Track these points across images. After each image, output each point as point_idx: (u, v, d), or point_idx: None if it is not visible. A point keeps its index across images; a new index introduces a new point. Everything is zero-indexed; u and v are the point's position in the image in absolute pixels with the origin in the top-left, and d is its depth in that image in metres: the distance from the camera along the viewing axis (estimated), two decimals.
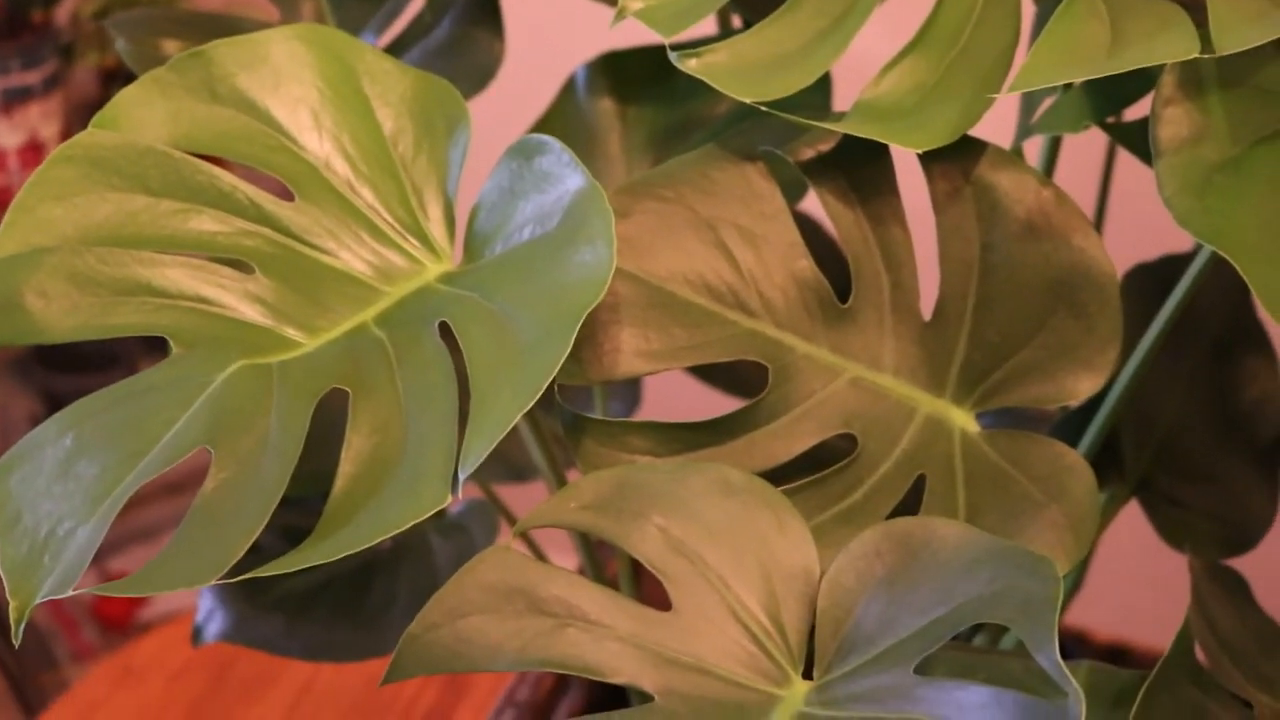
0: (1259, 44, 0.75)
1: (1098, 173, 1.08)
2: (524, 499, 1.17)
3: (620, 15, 0.80)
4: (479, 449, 0.66)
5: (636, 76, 1.06)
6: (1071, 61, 0.76)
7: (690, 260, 0.79)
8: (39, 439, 0.72)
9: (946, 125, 0.77)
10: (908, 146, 0.76)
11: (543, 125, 1.07)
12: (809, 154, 0.80)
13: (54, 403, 2.11)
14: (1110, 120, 0.90)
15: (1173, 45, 0.76)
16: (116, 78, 2.08)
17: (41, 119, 2.02)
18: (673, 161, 0.81)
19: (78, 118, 2.18)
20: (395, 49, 1.06)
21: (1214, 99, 0.79)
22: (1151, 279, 1.01)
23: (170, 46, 1.04)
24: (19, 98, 2.00)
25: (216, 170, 0.80)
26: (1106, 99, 0.86)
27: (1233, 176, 0.77)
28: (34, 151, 2.03)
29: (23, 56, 1.99)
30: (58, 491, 0.70)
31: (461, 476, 0.66)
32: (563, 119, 1.06)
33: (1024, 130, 0.91)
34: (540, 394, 0.67)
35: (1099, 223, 1.09)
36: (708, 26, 0.96)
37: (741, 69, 0.78)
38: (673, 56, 0.78)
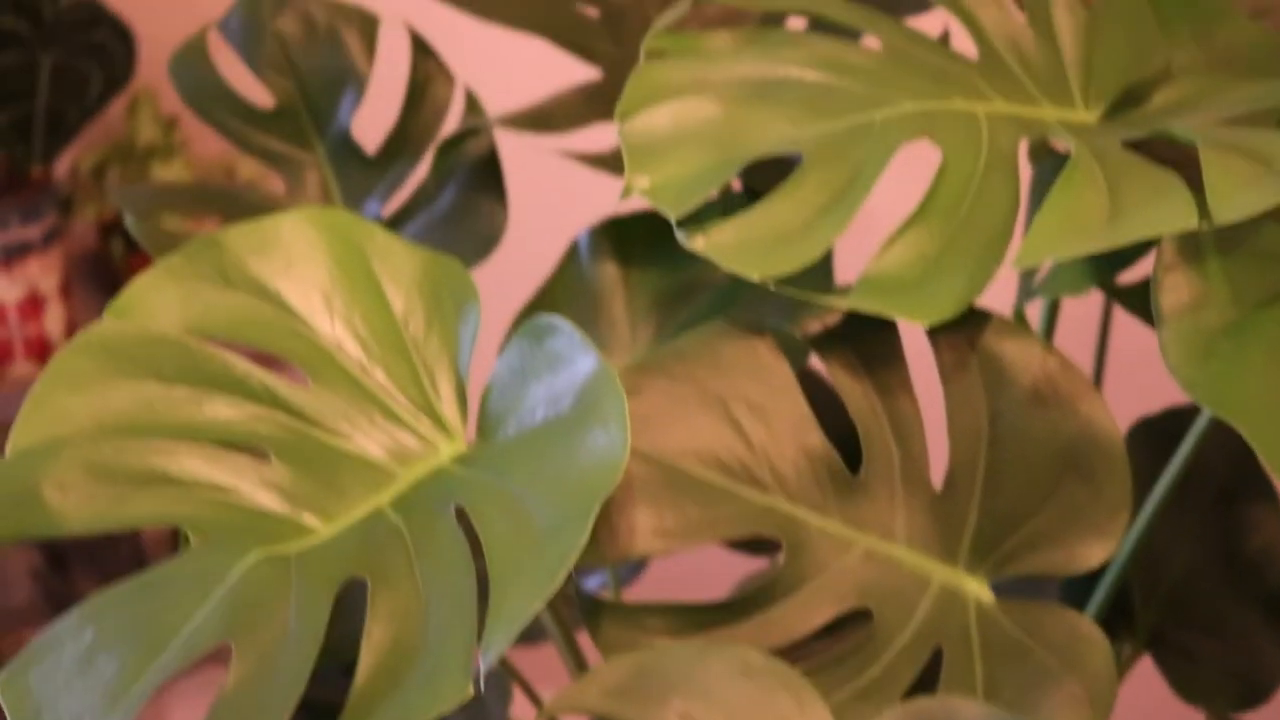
0: (1256, 213, 0.77)
1: (1096, 323, 1.09)
2: (534, 660, 1.17)
3: (627, 192, 0.82)
4: (499, 642, 0.67)
5: (639, 241, 1.07)
6: (1072, 234, 0.77)
7: (702, 437, 0.79)
8: (59, 633, 0.72)
9: (951, 298, 0.78)
10: (914, 321, 0.77)
11: (547, 290, 1.08)
12: (817, 328, 0.81)
13: (54, 556, 2.11)
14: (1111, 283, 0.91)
15: (1171, 216, 0.77)
16: (115, 230, 2.10)
17: (41, 273, 2.04)
18: (682, 338, 0.82)
19: (77, 270, 2.20)
20: (400, 217, 1.07)
21: (1214, 264, 0.80)
22: (1155, 433, 1.01)
23: (173, 221, 1.05)
24: (19, 252, 2.01)
25: (230, 356, 0.80)
26: (1107, 262, 0.88)
27: (1235, 342, 0.78)
28: (33, 305, 2.04)
29: (22, 211, 2.00)
30: (78, 687, 0.70)
31: (483, 670, 0.66)
32: (567, 283, 1.07)
33: (1026, 292, 0.92)
34: (559, 584, 0.67)
35: (1099, 375, 1.10)
36: None
37: (747, 246, 0.79)
38: (679, 234, 0.79)
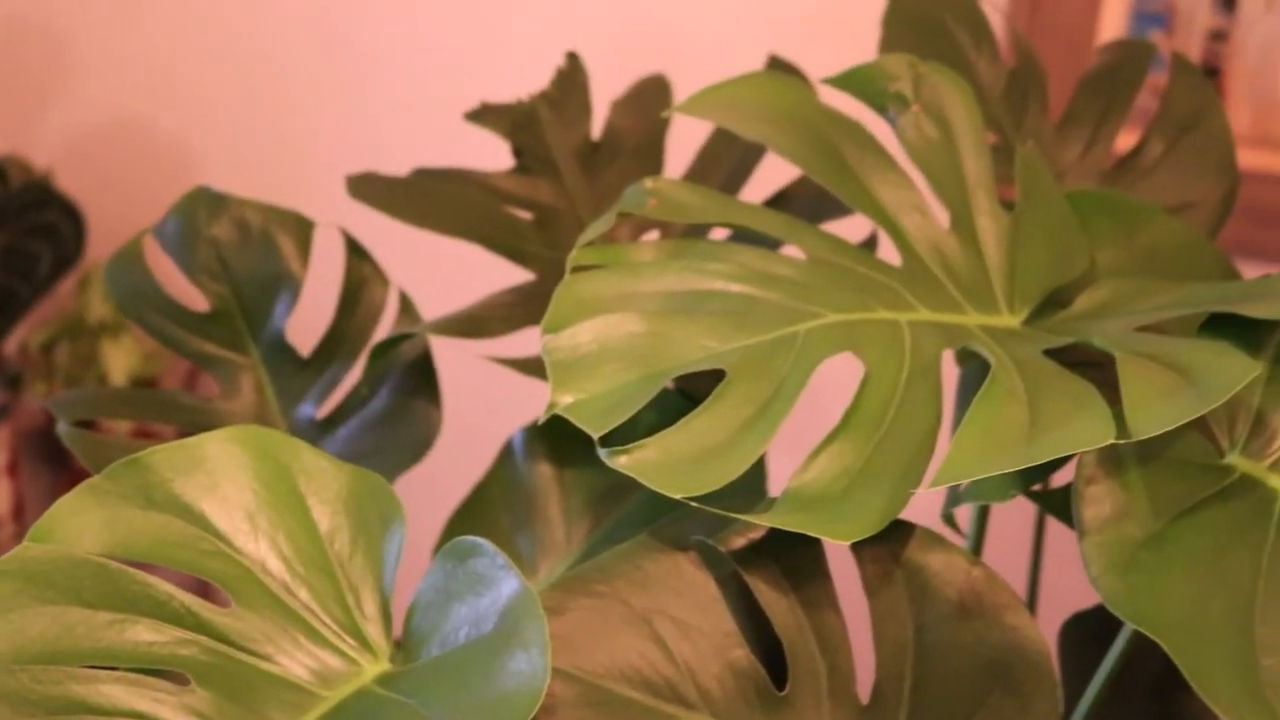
0: (1174, 426, 0.77)
1: (1033, 517, 1.09)
2: None
3: (551, 409, 0.82)
4: None
5: (573, 440, 1.07)
6: (991, 453, 0.77)
7: (626, 655, 0.79)
8: None
9: (872, 514, 0.78)
10: (835, 539, 0.77)
11: (482, 489, 1.08)
12: (740, 542, 0.81)
13: None
14: (1036, 488, 0.92)
15: (1089, 432, 0.78)
16: None
17: None
18: (607, 554, 0.82)
19: (25, 447, 2.19)
20: (334, 420, 1.07)
21: (1134, 474, 0.80)
22: (1090, 625, 1.01)
23: (105, 425, 1.05)
24: None
25: (151, 579, 0.80)
26: (1032, 468, 0.88)
27: (1156, 552, 0.78)
28: None
29: None
30: None
31: None
32: (502, 483, 1.07)
33: (953, 498, 0.92)
34: None
35: (1036, 566, 1.10)
36: None
37: (670, 464, 0.79)
38: (602, 453, 0.79)
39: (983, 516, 1.01)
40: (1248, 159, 1.72)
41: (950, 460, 0.76)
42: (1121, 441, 0.77)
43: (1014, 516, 1.10)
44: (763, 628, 0.81)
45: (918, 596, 0.81)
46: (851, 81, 0.97)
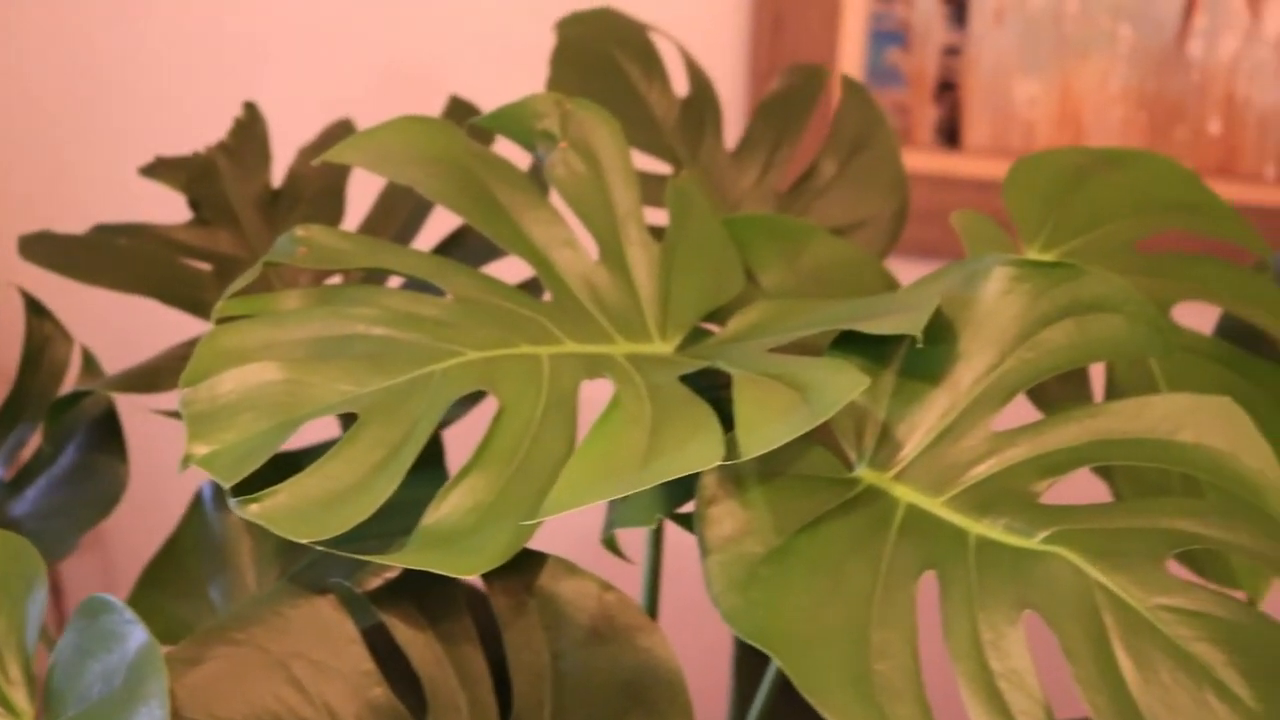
0: (783, 443, 0.80)
1: None
2: None
3: (186, 462, 0.83)
4: None
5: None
6: (604, 479, 0.79)
7: (263, 700, 0.80)
8: None
9: (498, 547, 0.80)
10: (460, 574, 0.79)
11: (175, 539, 1.09)
12: (376, 583, 0.83)
13: None
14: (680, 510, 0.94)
15: (700, 454, 0.80)
16: None
17: None
18: (246, 601, 0.83)
19: None
20: (21, 479, 1.08)
21: (756, 492, 0.83)
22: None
23: None
24: None
25: None
26: (676, 490, 0.90)
27: (777, 568, 0.80)
28: None
29: None
30: None
31: None
32: (193, 533, 1.08)
33: (609, 522, 0.94)
34: None
35: None
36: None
37: (298, 510, 0.81)
38: (232, 503, 0.81)
39: (657, 540, 1.03)
40: (990, 170, 1.78)
41: (560, 488, 0.79)
42: (738, 460, 0.80)
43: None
44: (404, 665, 0.83)
45: (552, 624, 0.83)
46: (500, 121, 0.99)
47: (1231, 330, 1.14)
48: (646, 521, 0.89)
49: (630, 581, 0.96)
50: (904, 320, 0.85)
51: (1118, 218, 1.06)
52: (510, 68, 1.72)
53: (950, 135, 1.80)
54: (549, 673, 0.83)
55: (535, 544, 0.82)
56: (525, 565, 0.83)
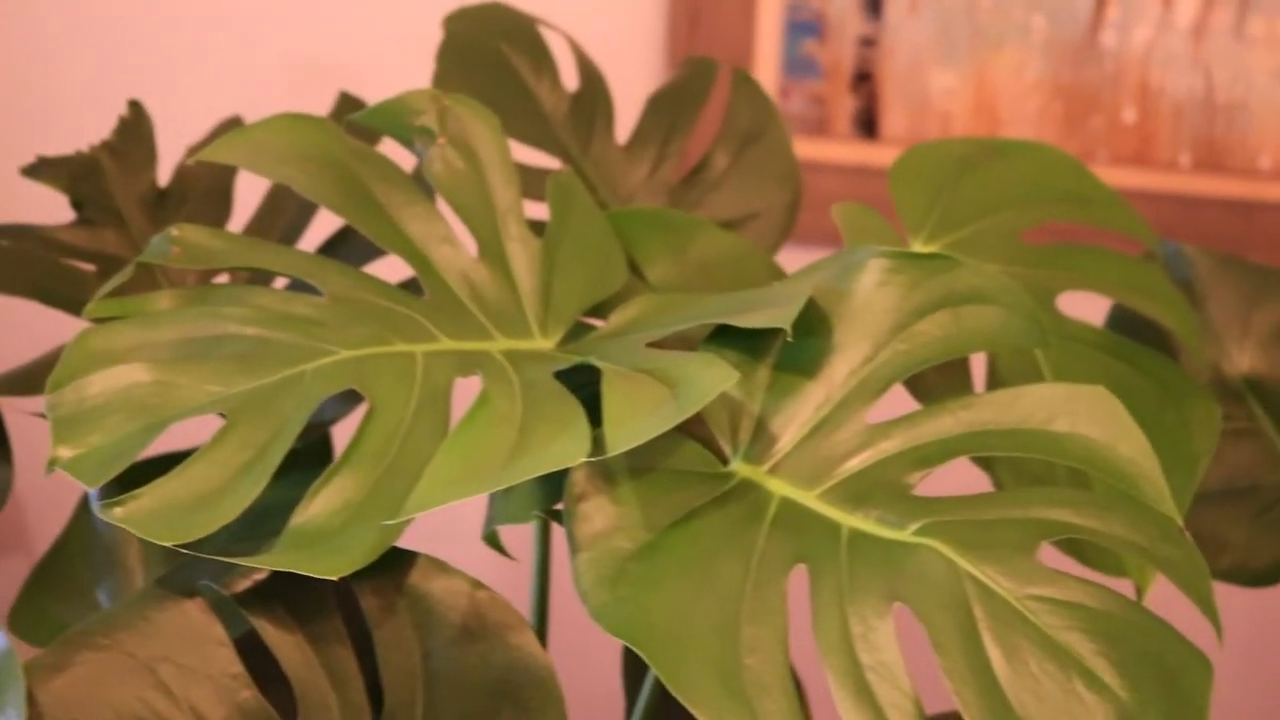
0: (649, 438, 0.80)
1: None
2: None
3: (51, 466, 0.82)
4: None
5: None
6: (468, 478, 0.79)
7: (129, 705, 0.79)
8: None
9: (364, 548, 0.79)
10: (323, 575, 0.78)
11: (61, 542, 1.08)
12: (245, 585, 0.82)
13: None
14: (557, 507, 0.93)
15: (566, 450, 0.80)
16: None
17: None
18: (115, 606, 0.82)
19: None
20: None
21: (627, 488, 0.83)
22: None
23: None
24: None
25: None
26: (554, 486, 0.90)
27: (646, 564, 0.80)
28: None
29: None
30: None
31: None
32: (80, 536, 1.07)
33: (489, 518, 0.94)
34: None
35: None
36: None
37: (163, 513, 0.80)
38: (96, 507, 0.80)
39: (544, 537, 1.02)
40: None
41: (422, 486, 0.78)
42: (607, 457, 0.79)
43: None
44: (274, 667, 0.82)
45: (422, 623, 0.82)
46: (378, 118, 0.98)
47: (1123, 320, 1.15)
48: (523, 518, 0.88)
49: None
50: (774, 314, 0.85)
51: (1003, 208, 1.06)
52: (418, 62, 1.70)
53: (867, 126, 1.80)
54: (420, 672, 0.82)
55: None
56: (395, 565, 0.82)
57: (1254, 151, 1.76)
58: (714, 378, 0.82)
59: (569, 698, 1.31)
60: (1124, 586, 0.98)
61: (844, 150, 1.79)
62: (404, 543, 0.82)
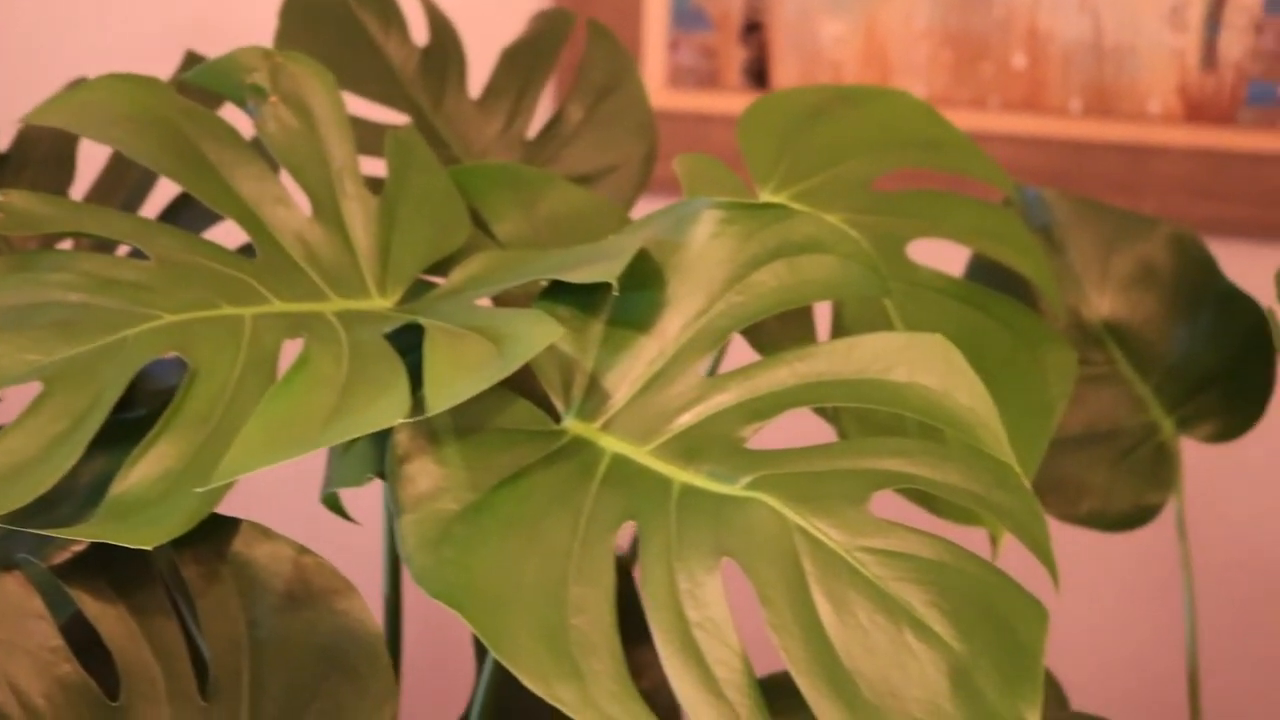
0: (470, 396, 0.78)
1: None
2: None
3: None
4: None
5: None
6: (282, 440, 0.78)
7: None
8: None
9: (181, 517, 0.78)
10: (139, 545, 0.77)
11: None
12: (64, 556, 0.81)
13: None
14: None
15: (384, 411, 0.78)
16: None
17: None
18: None
19: None
20: None
21: (452, 448, 0.81)
22: None
23: None
24: None
25: None
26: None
27: (471, 525, 0.79)
28: None
29: None
30: None
31: None
32: None
33: (327, 481, 0.92)
34: None
35: None
36: None
37: None
38: None
39: None
40: None
41: (234, 451, 0.77)
42: (429, 416, 0.78)
43: None
44: (96, 640, 0.81)
45: (247, 591, 0.81)
46: (208, 77, 0.96)
47: (983, 269, 1.14)
48: (358, 481, 0.87)
49: None
50: (601, 269, 0.84)
51: (853, 156, 1.05)
52: None
53: (758, 76, 1.79)
54: (246, 640, 0.81)
55: None
56: (218, 532, 0.81)
57: (1143, 96, 1.76)
58: (539, 334, 0.81)
59: (426, 665, 1.32)
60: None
61: (735, 101, 1.77)
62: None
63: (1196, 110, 1.75)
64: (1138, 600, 1.72)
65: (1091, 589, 1.70)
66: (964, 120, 1.77)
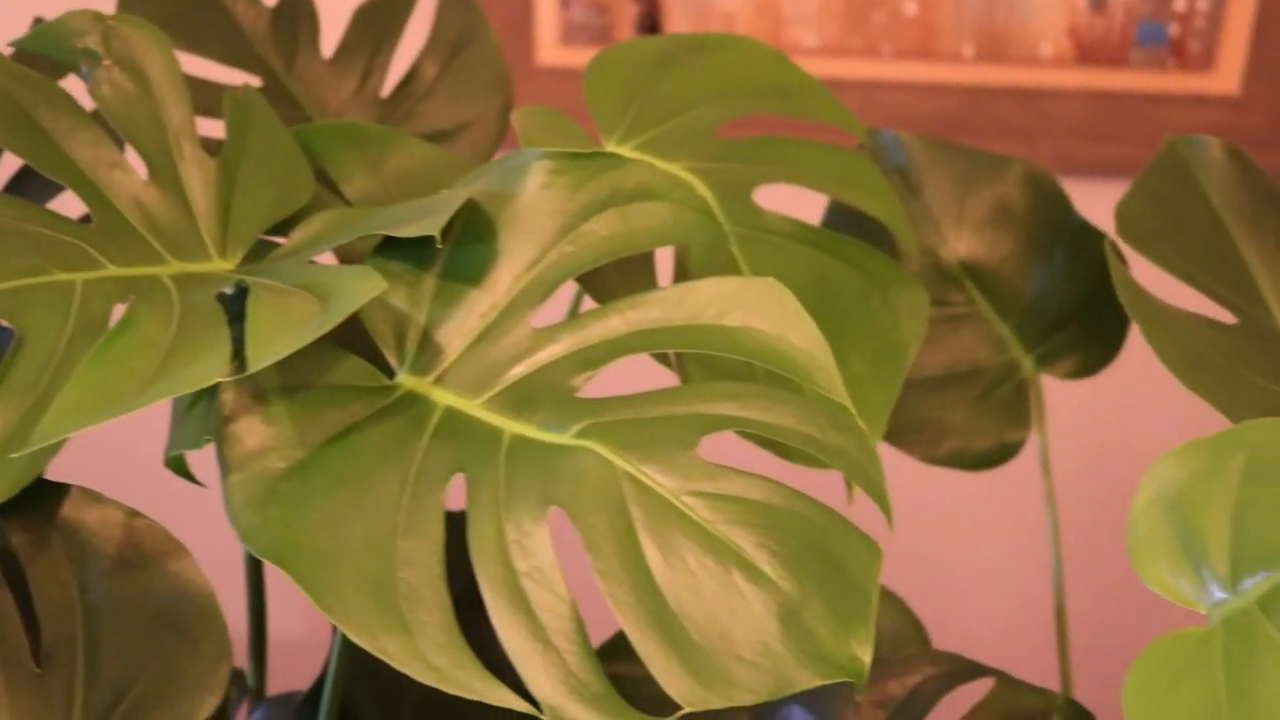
0: (291, 352, 0.78)
1: None
2: None
3: None
4: None
5: None
6: (101, 402, 0.77)
7: None
8: None
9: (5, 482, 0.78)
10: None
11: None
12: None
13: None
14: None
15: (203, 370, 0.78)
16: None
17: None
18: None
19: None
20: None
21: (280, 407, 0.81)
22: None
23: None
24: None
25: None
26: None
27: (299, 482, 0.79)
28: None
29: None
30: None
31: None
32: None
33: (170, 443, 0.92)
34: None
35: None
36: None
37: None
38: None
39: None
40: None
41: (52, 414, 0.76)
42: (252, 373, 0.78)
43: None
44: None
45: (77, 556, 0.81)
46: (39, 41, 0.95)
47: (841, 214, 1.14)
48: (197, 444, 0.87)
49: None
50: (426, 223, 0.84)
51: (700, 104, 1.05)
52: None
53: (651, 31, 1.79)
54: (78, 605, 0.81)
55: None
56: (47, 498, 0.81)
57: (1035, 39, 1.77)
58: (362, 288, 0.81)
59: (289, 627, 1.31)
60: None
61: None
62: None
63: (1088, 52, 1.76)
64: (1007, 535, 1.74)
65: (967, 528, 1.71)
66: (857, 69, 1.78)
